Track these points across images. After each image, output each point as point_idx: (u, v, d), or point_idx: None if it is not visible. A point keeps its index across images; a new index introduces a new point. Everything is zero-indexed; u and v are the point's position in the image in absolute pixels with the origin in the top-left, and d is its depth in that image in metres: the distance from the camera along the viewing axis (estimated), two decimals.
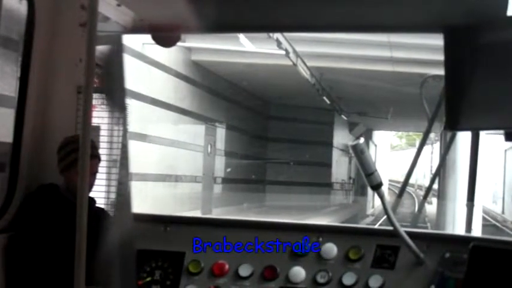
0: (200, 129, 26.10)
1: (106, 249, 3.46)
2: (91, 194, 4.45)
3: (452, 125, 3.84)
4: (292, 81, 25.14)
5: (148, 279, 4.40)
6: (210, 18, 4.01)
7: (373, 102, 31.44)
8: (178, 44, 5.00)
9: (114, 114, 4.48)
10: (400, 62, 22.63)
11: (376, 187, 3.75)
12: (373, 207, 44.35)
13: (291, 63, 22.13)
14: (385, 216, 3.98)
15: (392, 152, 73.14)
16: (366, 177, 3.73)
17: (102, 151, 5.04)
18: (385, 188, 3.98)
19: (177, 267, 4.40)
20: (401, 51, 21.77)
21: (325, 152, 36.94)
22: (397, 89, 24.93)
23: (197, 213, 22.78)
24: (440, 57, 3.69)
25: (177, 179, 23.56)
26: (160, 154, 21.96)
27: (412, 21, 4.07)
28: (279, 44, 20.13)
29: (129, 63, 17.48)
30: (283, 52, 20.82)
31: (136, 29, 4.51)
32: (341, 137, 38.99)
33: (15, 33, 11.98)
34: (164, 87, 22.27)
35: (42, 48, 4.57)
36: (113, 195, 4.91)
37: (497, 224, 34.71)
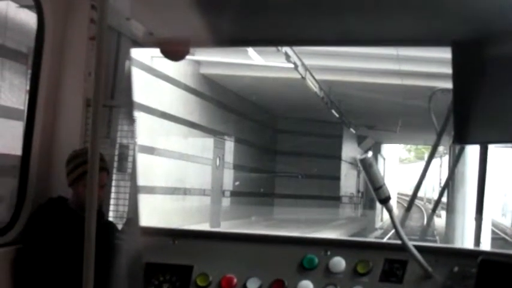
0: (209, 142, 26.11)
1: (114, 262, 3.46)
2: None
3: (461, 139, 3.84)
4: (301, 94, 25.13)
5: None
6: (219, 32, 4.03)
7: (381, 115, 31.42)
8: (187, 57, 5.02)
9: (123, 127, 4.49)
10: (408, 76, 22.61)
11: (384, 201, 3.75)
12: (381, 220, 44.21)
13: (299, 76, 22.13)
14: (393, 230, 3.98)
15: (401, 165, 72.96)
16: (374, 191, 3.73)
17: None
18: (393, 202, 3.99)
19: (185, 280, 4.40)
20: (409, 65, 21.75)
21: (333, 165, 36.90)
22: (405, 102, 24.90)
23: (206, 226, 22.77)
24: (449, 70, 3.70)
25: (185, 192, 23.56)
26: (169, 167, 21.97)
27: (420, 34, 4.08)
28: (287, 58, 20.13)
29: (138, 77, 17.53)
30: (292, 65, 20.82)
31: (145, 43, 4.54)
32: (350, 150, 38.94)
33: (25, 46, 12.04)
34: (173, 100, 22.30)
35: (51, 62, 4.59)
36: (121, 208, 4.93)
37: (506, 237, 34.55)
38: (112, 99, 4.96)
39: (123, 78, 4.88)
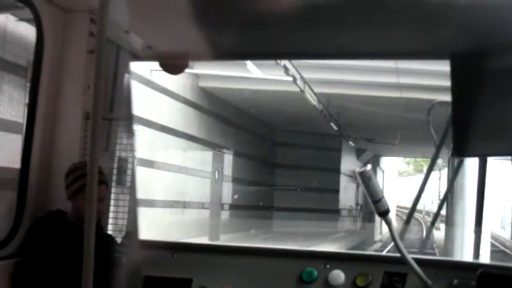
0: (208, 155, 26.09)
1: (114, 276, 3.46)
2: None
3: (460, 152, 3.84)
4: (300, 107, 25.15)
5: None
6: (218, 45, 4.04)
7: (380, 128, 31.44)
8: (186, 70, 5.02)
9: (122, 140, 4.49)
10: (407, 88, 22.64)
11: (383, 214, 3.75)
12: (381, 233, 44.18)
13: (298, 89, 22.14)
14: (393, 243, 3.98)
15: (400, 178, 72.96)
16: (373, 204, 3.73)
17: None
18: (392, 214, 3.99)
19: None
20: (408, 77, 21.79)
21: (332, 178, 36.89)
22: (404, 115, 24.92)
23: (205, 240, 22.73)
24: (448, 83, 3.71)
25: (184, 205, 23.53)
26: (168, 180, 21.96)
27: (419, 48, 4.09)
28: (286, 71, 20.14)
29: (137, 90, 17.50)
30: (291, 79, 20.83)
31: (144, 56, 4.54)
32: (348, 163, 38.93)
33: (24, 59, 12.05)
34: (172, 113, 22.30)
35: (50, 75, 4.59)
36: (120, 222, 4.92)
37: (505, 249, 34.50)
38: (111, 112, 4.96)
39: (122, 92, 4.88)
